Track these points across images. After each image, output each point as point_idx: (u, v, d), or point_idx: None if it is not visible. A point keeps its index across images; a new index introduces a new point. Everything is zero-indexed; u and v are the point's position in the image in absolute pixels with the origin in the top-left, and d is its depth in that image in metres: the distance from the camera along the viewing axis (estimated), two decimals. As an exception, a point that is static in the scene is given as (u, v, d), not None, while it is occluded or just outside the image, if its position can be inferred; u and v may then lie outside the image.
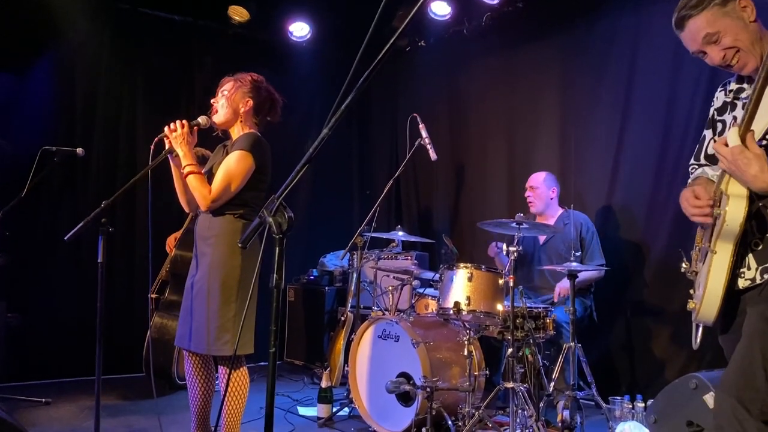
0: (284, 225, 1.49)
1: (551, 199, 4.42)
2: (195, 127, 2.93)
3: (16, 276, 4.57)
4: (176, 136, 2.84)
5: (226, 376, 2.86)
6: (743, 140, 1.75)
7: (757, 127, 1.79)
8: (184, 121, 2.87)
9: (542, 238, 4.43)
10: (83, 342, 4.68)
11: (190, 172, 2.83)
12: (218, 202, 2.84)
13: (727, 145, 1.79)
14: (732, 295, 1.88)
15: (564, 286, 3.98)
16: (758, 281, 1.84)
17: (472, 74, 5.72)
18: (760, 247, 1.85)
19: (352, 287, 4.87)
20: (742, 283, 1.88)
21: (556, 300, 4.10)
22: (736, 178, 1.79)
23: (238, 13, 5.47)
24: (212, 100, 3.00)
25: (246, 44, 5.74)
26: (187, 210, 3.11)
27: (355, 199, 6.64)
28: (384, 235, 4.64)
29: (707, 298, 1.86)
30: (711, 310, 1.87)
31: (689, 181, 2.20)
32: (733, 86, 2.05)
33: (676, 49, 4.15)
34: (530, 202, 4.42)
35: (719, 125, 2.09)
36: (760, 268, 1.84)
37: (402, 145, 5.15)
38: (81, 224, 2.56)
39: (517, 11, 5.11)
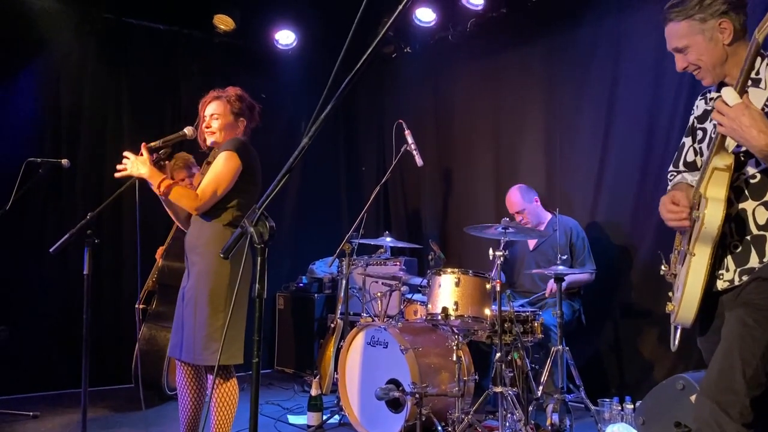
0: (266, 234, 1.49)
1: (538, 208, 4.46)
2: (150, 151, 2.83)
3: (3, 289, 4.55)
4: (131, 166, 2.78)
5: (215, 387, 2.85)
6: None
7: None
8: (129, 153, 2.80)
9: (532, 244, 4.45)
10: (72, 354, 4.66)
11: (167, 186, 2.78)
12: (208, 203, 2.81)
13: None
14: (710, 297, 1.90)
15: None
16: (736, 283, 1.86)
17: (457, 80, 5.75)
18: (738, 249, 1.87)
19: (342, 294, 4.86)
20: (720, 285, 1.90)
21: (548, 295, 4.12)
22: (737, 137, 1.71)
23: (224, 22, 5.47)
24: (204, 126, 2.95)
25: (231, 53, 5.75)
26: (185, 229, 3.02)
27: (344, 205, 6.64)
28: (372, 242, 4.64)
29: (685, 300, 1.88)
30: (689, 312, 1.88)
31: (668, 187, 2.23)
32: (714, 95, 2.06)
33: (658, 54, 4.20)
34: (525, 224, 4.40)
35: (699, 133, 2.11)
36: (738, 269, 1.86)
37: (389, 152, 5.17)
38: (66, 236, 2.57)
39: (501, 17, 5.14)
